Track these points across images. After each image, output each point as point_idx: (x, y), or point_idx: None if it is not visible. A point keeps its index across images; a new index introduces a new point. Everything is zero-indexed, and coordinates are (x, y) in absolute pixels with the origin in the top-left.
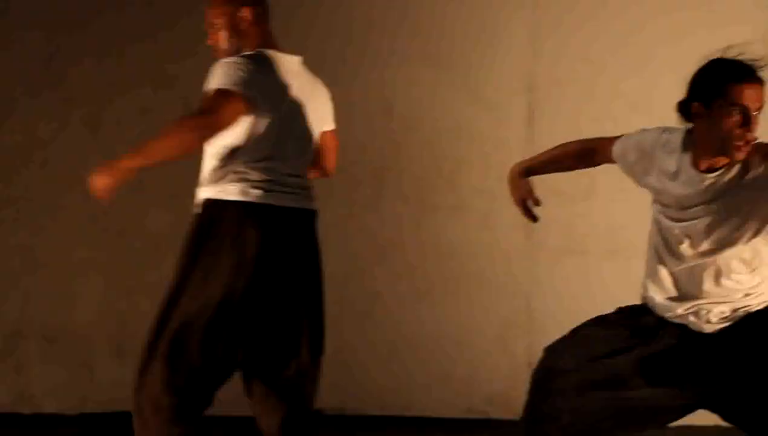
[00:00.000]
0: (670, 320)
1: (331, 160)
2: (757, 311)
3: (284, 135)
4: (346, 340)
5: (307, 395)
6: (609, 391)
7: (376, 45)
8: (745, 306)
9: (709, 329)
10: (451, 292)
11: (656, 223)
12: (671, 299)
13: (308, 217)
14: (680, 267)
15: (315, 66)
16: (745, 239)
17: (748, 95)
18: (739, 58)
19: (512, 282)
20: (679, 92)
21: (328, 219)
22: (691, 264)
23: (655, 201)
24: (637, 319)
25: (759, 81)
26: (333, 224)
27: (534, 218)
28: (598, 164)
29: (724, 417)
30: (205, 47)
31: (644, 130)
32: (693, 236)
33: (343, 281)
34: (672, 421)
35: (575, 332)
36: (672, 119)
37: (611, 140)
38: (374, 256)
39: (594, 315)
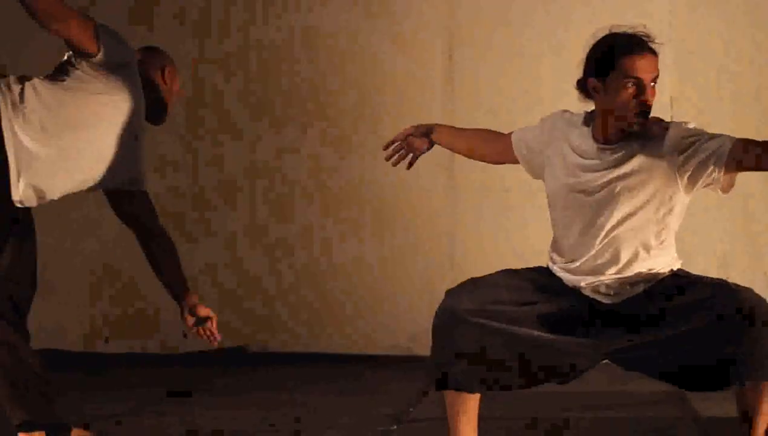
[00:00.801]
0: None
1: None
2: (658, 281)
3: None
4: (270, 280)
5: None
6: (511, 336)
7: None
8: (648, 281)
9: (609, 301)
10: (375, 232)
11: (559, 197)
12: (574, 272)
13: None
14: (584, 243)
15: (232, 9)
16: (650, 211)
17: (641, 66)
18: (630, 31)
19: (435, 220)
20: (601, 35)
21: (253, 162)
22: (596, 240)
23: (556, 173)
24: (544, 278)
25: (651, 51)
26: (258, 167)
27: (393, 159)
28: (499, 157)
29: (626, 368)
30: None
31: (542, 118)
32: (597, 207)
33: (268, 223)
34: (576, 372)
35: (480, 278)
36: None
37: (510, 133)
38: (298, 197)
39: (516, 253)
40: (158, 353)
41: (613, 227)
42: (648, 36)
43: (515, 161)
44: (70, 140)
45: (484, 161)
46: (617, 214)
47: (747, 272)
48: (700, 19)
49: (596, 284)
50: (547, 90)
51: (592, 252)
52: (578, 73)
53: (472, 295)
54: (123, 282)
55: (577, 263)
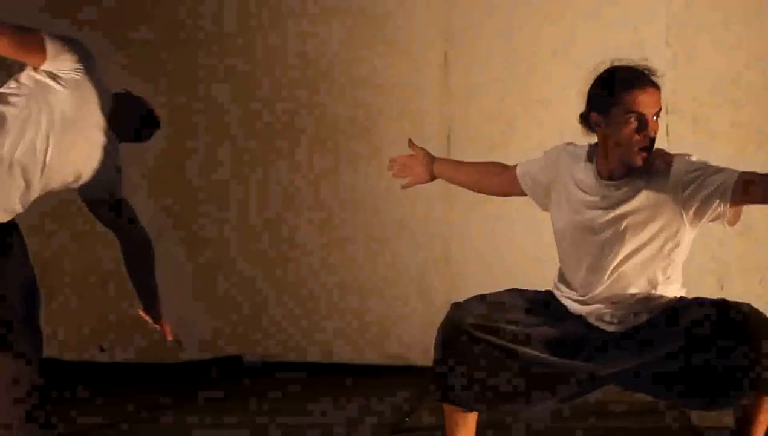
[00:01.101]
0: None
1: None
2: (661, 308)
3: None
4: (264, 287)
5: None
6: (514, 355)
7: None
8: (652, 311)
9: (613, 328)
10: (369, 239)
11: (566, 234)
12: (581, 303)
13: None
14: (593, 280)
15: (226, 15)
16: (655, 247)
17: (643, 101)
18: (632, 65)
19: (430, 228)
20: (597, 38)
21: (245, 169)
22: (605, 277)
23: (561, 209)
24: (549, 302)
25: (653, 85)
26: (250, 173)
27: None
28: (505, 189)
29: (629, 389)
30: None
31: (546, 151)
32: (603, 246)
33: (260, 231)
34: (577, 394)
35: (486, 295)
36: (588, 65)
37: (515, 165)
38: (291, 204)
39: (510, 260)
40: (154, 362)
41: (620, 264)
42: (649, 69)
43: (522, 194)
44: (16, 156)
45: (490, 194)
46: (623, 251)
47: (744, 276)
48: (698, 22)
49: (602, 313)
50: (545, 94)
51: (601, 288)
52: (576, 76)
53: (478, 311)
54: (120, 291)
55: (586, 297)
